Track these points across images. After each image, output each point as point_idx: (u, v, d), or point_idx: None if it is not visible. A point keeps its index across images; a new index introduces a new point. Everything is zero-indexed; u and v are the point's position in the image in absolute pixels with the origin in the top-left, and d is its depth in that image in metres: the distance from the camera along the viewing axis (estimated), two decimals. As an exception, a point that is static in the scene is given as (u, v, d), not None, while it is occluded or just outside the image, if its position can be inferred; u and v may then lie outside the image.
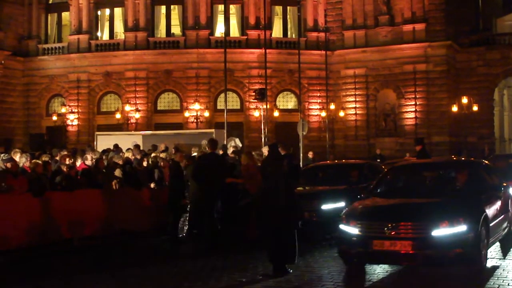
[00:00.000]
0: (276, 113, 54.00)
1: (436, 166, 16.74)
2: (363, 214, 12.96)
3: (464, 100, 53.54)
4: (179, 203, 18.49)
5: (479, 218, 12.25)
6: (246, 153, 19.85)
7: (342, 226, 12.72)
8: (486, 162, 17.13)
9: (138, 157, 22.62)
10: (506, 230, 14.82)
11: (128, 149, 25.34)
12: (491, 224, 12.97)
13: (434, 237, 11.75)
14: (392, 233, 11.94)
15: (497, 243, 14.60)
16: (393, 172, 16.00)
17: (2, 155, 16.89)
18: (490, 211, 13.16)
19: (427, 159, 20.39)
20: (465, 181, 14.67)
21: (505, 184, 15.43)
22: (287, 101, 57.13)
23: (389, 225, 12.00)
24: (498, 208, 13.99)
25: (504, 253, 14.64)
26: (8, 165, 16.84)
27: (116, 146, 28.22)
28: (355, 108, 56.12)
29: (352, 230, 12.47)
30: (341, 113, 55.72)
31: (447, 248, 11.69)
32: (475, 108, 53.95)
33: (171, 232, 18.58)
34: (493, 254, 14.46)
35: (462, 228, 11.79)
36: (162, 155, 23.94)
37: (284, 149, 20.55)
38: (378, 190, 14.78)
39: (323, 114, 54.34)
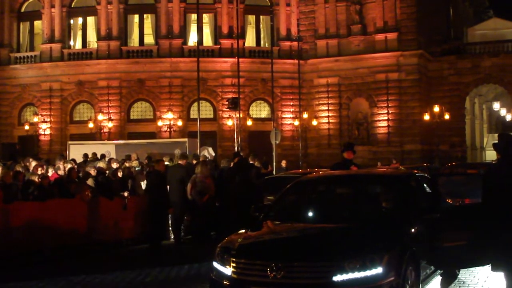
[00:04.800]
0: (249, 122, 53.95)
1: (353, 180, 12.30)
2: (242, 248, 9.37)
3: (436, 108, 53.84)
4: (163, 213, 18.63)
5: (403, 254, 9.00)
6: (201, 163, 20.85)
7: (216, 264, 9.48)
8: (424, 174, 13.05)
9: (114, 166, 22.44)
10: None
11: (101, 158, 25.26)
12: (431, 261, 10.12)
13: (336, 285, 8.49)
14: (278, 277, 8.61)
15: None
16: (298, 188, 12.00)
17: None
18: (423, 241, 9.97)
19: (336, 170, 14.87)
20: (391, 201, 11.14)
21: (450, 202, 11.95)
22: (260, 110, 57.13)
23: (274, 265, 8.66)
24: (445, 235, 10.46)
25: None
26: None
27: (94, 154, 28.10)
28: (328, 117, 56.24)
29: (226, 270, 9.20)
30: (314, 122, 55.84)
31: None
32: (446, 116, 54.28)
33: (152, 240, 18.60)
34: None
35: (376, 270, 8.50)
36: (134, 163, 23.90)
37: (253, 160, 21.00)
38: (275, 213, 11.11)
39: (296, 123, 54.42)
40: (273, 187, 19.16)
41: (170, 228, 20.31)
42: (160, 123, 54.33)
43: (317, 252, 8.92)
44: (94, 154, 28.04)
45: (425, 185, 12.03)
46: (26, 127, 55.11)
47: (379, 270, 8.52)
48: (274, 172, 31.12)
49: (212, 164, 22.88)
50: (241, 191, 17.77)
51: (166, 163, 22.54)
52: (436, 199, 11.04)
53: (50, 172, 20.40)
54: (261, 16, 58.04)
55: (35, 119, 55.26)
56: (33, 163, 20.84)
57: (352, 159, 16.04)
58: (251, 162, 21.32)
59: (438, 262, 10.61)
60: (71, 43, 57.70)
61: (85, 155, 27.75)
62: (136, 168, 23.51)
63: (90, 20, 57.75)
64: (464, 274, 12.66)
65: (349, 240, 9.22)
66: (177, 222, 20.08)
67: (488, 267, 10.37)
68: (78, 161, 25.21)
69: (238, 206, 17.28)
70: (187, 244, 19.67)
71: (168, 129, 53.61)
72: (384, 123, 54.52)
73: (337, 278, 8.46)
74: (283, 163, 38.87)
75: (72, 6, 57.22)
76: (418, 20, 54.56)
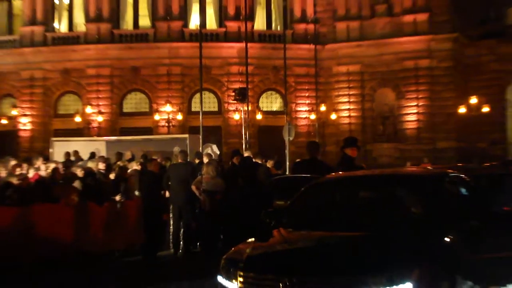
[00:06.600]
0: (259, 116, 53.96)
1: (378, 181, 11.95)
2: (250, 260, 9.23)
3: (473, 100, 53.72)
4: (156, 218, 18.66)
5: (436, 268, 8.77)
6: (206, 163, 21.11)
7: (221, 279, 9.37)
8: (461, 175, 12.47)
9: (100, 166, 22.42)
10: None
11: (90, 157, 25.32)
12: (470, 276, 9.57)
13: None
14: None
15: None
16: (314, 191, 11.85)
17: None
18: (460, 253, 9.56)
19: (353, 171, 13.96)
20: (422, 206, 10.73)
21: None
22: (271, 102, 57.13)
23: (287, 280, 8.48)
24: (486, 245, 10.09)
25: None
26: None
27: (76, 152, 28.17)
28: (348, 110, 56.19)
29: (232, 285, 9.09)
30: (333, 116, 55.79)
31: None
32: (485, 109, 54.13)
33: (147, 252, 18.60)
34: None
35: (405, 286, 8.29)
36: (132, 164, 23.88)
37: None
38: (288, 219, 10.97)
39: (313, 116, 54.39)
40: (283, 189, 19.01)
41: (171, 237, 20.32)
42: (157, 117, 54.38)
43: (337, 265, 8.71)
44: (76, 152, 28.09)
45: (461, 187, 11.74)
46: (4, 121, 55.21)
47: (408, 286, 8.30)
48: (287, 173, 31.07)
49: (218, 163, 22.84)
50: (247, 194, 17.71)
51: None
52: (474, 203, 10.81)
53: (31, 173, 20.38)
54: (272, -5, 58.13)
55: (14, 112, 55.33)
56: (12, 163, 20.84)
57: (356, 157, 15.52)
58: (258, 161, 21.32)
59: (477, 277, 10.27)
60: (56, 25, 57.72)
61: (67, 154, 27.76)
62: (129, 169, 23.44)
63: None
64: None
65: (373, 251, 8.95)
66: (178, 230, 20.08)
67: None
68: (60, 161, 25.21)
69: (243, 212, 17.20)
70: (189, 256, 19.65)
71: (167, 124, 53.66)
72: (413, 117, 54.42)
73: None
74: (298, 163, 38.77)
75: (57, -17, 57.35)
76: (453, -1, 54.54)
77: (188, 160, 22.89)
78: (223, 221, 19.79)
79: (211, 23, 56.93)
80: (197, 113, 43.36)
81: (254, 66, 52.23)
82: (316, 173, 14.53)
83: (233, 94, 42.75)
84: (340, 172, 14.17)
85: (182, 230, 20.19)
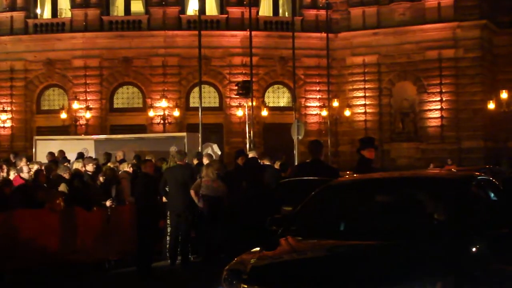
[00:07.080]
0: (264, 112, 53.98)
1: (397, 185, 11.85)
2: (255, 271, 9.16)
3: (504, 94, 53.59)
4: (151, 225, 18.72)
5: (461, 281, 8.67)
6: (206, 165, 21.44)
7: None
8: (489, 178, 12.53)
9: (89, 169, 22.49)
10: None
11: (77, 159, 25.35)
12: None
13: None
14: None
15: None
16: (326, 195, 11.78)
17: None
18: (488, 264, 9.50)
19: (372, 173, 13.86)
20: (445, 211, 10.70)
21: None
22: (278, 97, 57.16)
23: None
24: None
25: None
26: None
27: (62, 152, 28.22)
28: (364, 105, 56.19)
29: None
30: (347, 112, 55.80)
31: None
32: (517, 105, 54.14)
33: (139, 262, 18.66)
34: None
35: None
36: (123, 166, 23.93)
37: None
38: (297, 226, 10.89)
39: (324, 113, 54.44)
40: (290, 194, 19.06)
41: (168, 246, 20.39)
42: (151, 113, 54.42)
43: (350, 277, 8.71)
44: (62, 152, 28.15)
45: (490, 191, 11.74)
46: (-19, 118, 55.34)
47: None
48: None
49: (221, 165, 22.90)
50: (250, 196, 17.76)
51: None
52: (504, 209, 10.65)
53: (12, 175, 20.43)
54: (279, -22, 58.19)
55: (-8, 108, 55.49)
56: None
57: (374, 159, 15.58)
58: (266, 163, 21.37)
59: None
60: (38, 11, 57.71)
61: (51, 154, 27.80)
62: (121, 171, 23.49)
63: (63, -18, 57.88)
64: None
65: (391, 261, 8.94)
66: (176, 239, 20.15)
67: None
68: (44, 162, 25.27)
69: (246, 213, 17.25)
70: (188, 267, 19.70)
71: (162, 121, 53.71)
72: (436, 114, 54.40)
73: None
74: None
75: (40, -36, 57.40)
76: (481, -19, 54.53)
77: (186, 161, 22.99)
78: (225, 224, 19.87)
79: (211, 9, 56.95)
80: (196, 109, 43.53)
81: (259, 57, 52.30)
82: (320, 176, 14.51)
83: (236, 88, 42.90)
84: (355, 175, 14.21)
85: (180, 238, 20.24)
